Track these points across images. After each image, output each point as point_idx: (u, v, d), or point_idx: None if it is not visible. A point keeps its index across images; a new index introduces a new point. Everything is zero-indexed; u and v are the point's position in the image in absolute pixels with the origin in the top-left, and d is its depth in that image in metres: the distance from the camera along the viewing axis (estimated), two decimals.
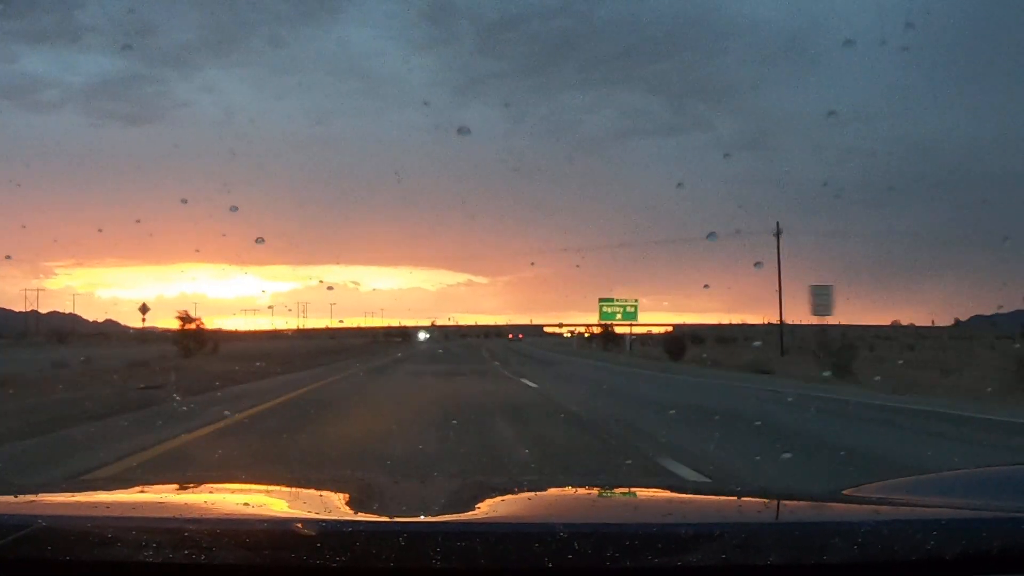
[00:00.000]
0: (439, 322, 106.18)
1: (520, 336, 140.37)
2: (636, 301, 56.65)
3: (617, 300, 56.70)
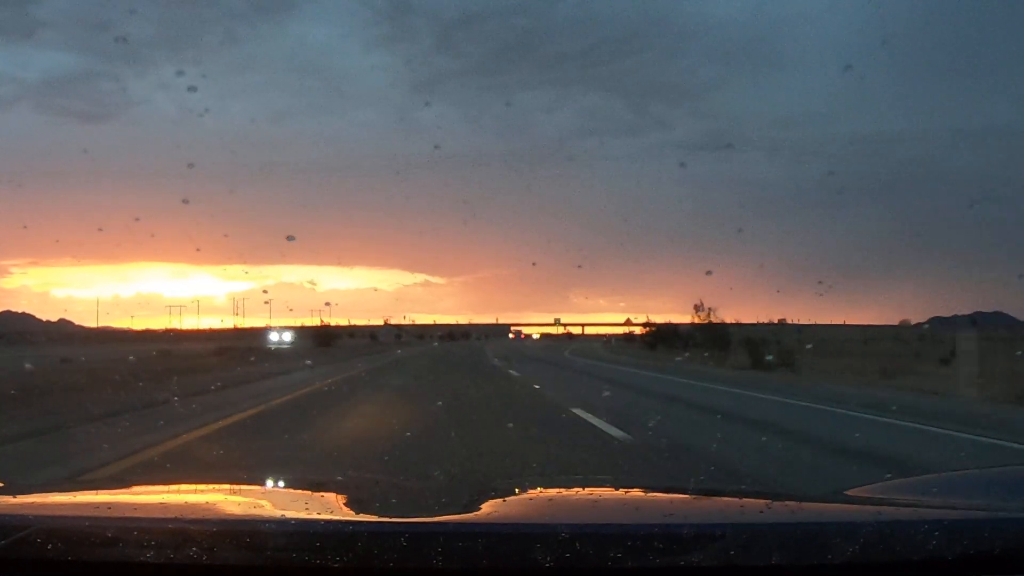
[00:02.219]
0: (394, 321, 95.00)
1: (522, 335, 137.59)
2: None
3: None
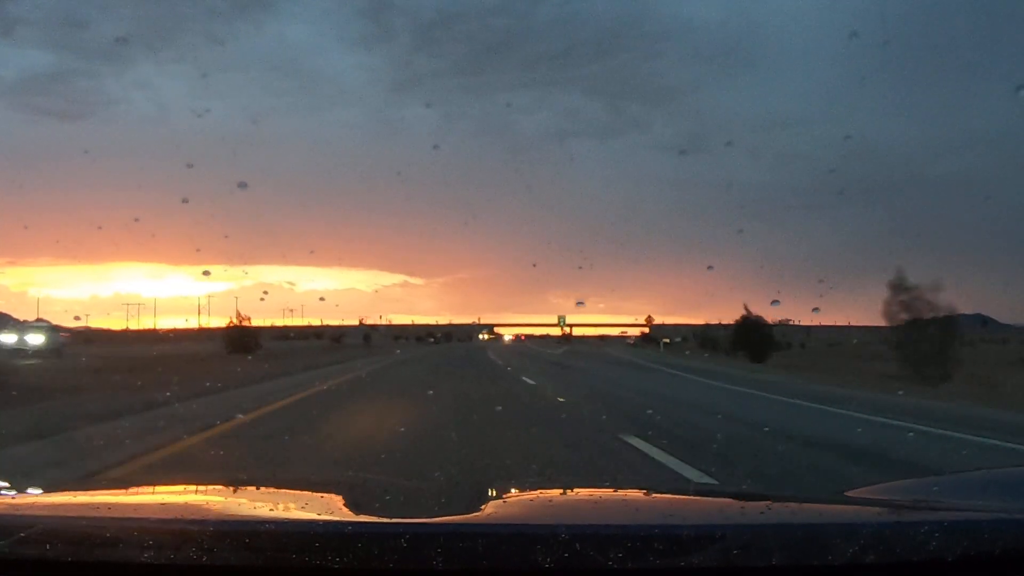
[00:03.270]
0: (370, 321, 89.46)
1: (523, 337, 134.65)
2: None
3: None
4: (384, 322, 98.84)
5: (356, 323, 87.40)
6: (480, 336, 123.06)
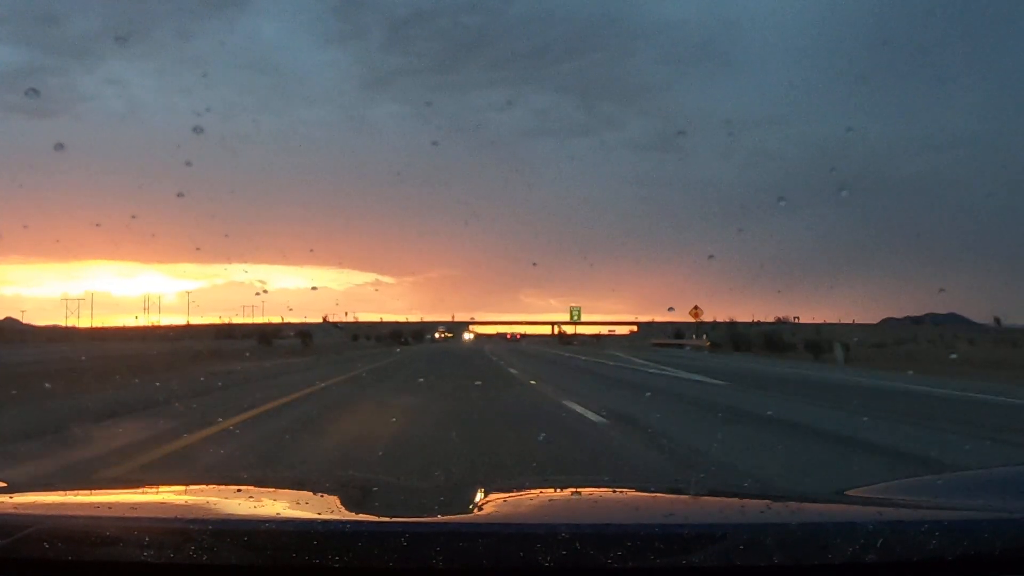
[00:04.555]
0: (335, 319, 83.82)
1: (519, 336, 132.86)
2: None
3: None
4: (351, 319, 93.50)
5: (320, 320, 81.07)
6: (435, 335, 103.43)
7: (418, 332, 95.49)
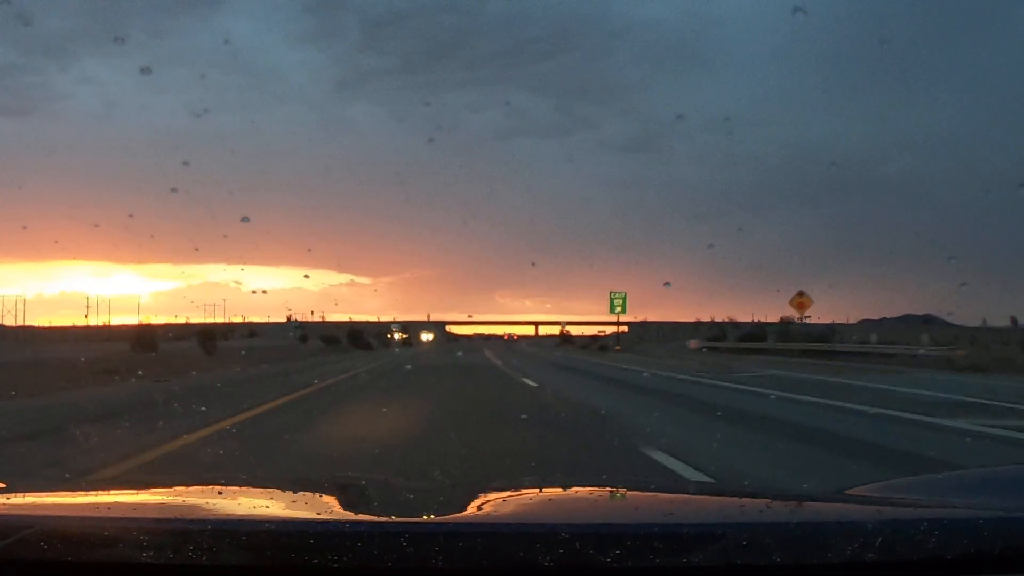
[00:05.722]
0: (299, 318, 78.55)
1: (516, 337, 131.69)
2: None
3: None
4: (318, 319, 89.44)
5: (284, 320, 75.63)
6: (394, 336, 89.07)
7: (355, 331, 76.04)
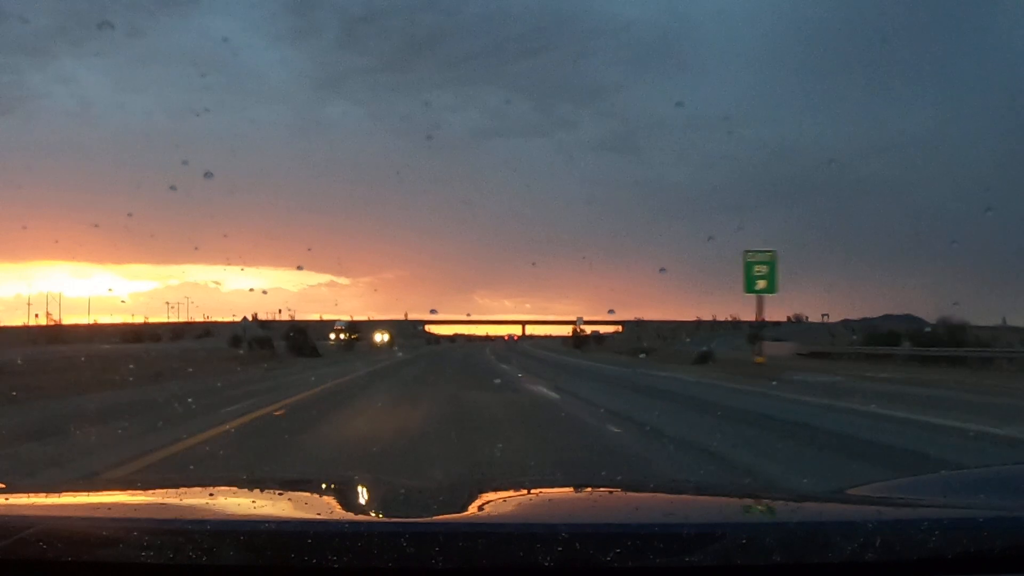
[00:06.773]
0: (264, 316, 73.80)
1: (516, 337, 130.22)
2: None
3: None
4: (286, 317, 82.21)
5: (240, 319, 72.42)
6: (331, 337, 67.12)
7: (300, 329, 54.56)
